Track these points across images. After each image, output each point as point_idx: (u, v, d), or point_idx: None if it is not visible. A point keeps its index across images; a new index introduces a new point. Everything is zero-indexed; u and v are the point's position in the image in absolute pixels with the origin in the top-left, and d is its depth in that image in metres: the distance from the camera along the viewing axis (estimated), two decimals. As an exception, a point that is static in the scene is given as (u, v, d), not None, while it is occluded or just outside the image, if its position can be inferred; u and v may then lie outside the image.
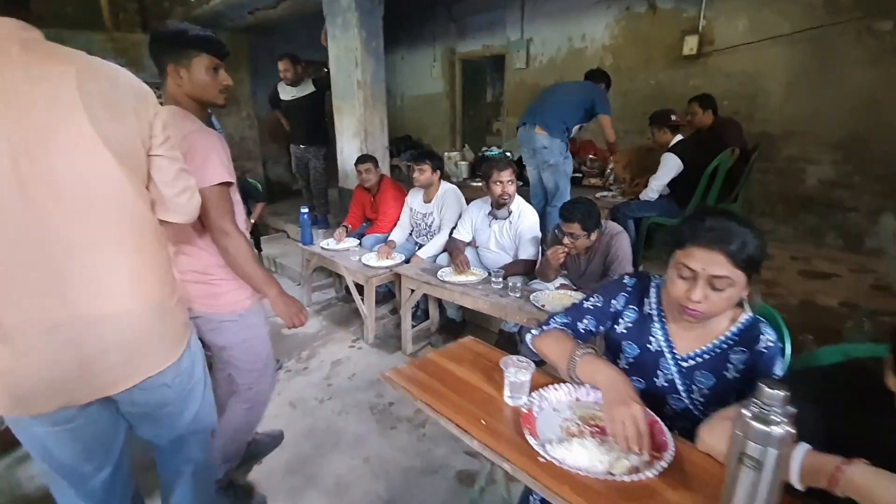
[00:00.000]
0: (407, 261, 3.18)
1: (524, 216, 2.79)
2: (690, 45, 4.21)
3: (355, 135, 4.07)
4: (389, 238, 3.41)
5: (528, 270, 2.79)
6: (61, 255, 0.91)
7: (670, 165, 3.19)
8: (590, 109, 3.37)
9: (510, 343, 2.88)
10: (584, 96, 3.37)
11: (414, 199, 3.44)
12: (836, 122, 3.74)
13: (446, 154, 4.99)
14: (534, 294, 2.40)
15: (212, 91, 1.44)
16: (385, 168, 4.17)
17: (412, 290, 2.87)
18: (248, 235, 1.61)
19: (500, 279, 2.59)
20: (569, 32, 5.23)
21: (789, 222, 4.10)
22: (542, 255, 2.66)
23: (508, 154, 4.65)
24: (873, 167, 3.67)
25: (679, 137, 3.30)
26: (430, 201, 3.33)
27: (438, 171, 3.27)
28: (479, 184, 4.41)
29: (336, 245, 3.47)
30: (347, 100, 4.07)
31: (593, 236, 2.31)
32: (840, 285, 3.25)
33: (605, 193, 3.70)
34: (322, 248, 3.43)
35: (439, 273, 2.75)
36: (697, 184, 3.20)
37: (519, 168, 4.54)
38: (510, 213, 2.81)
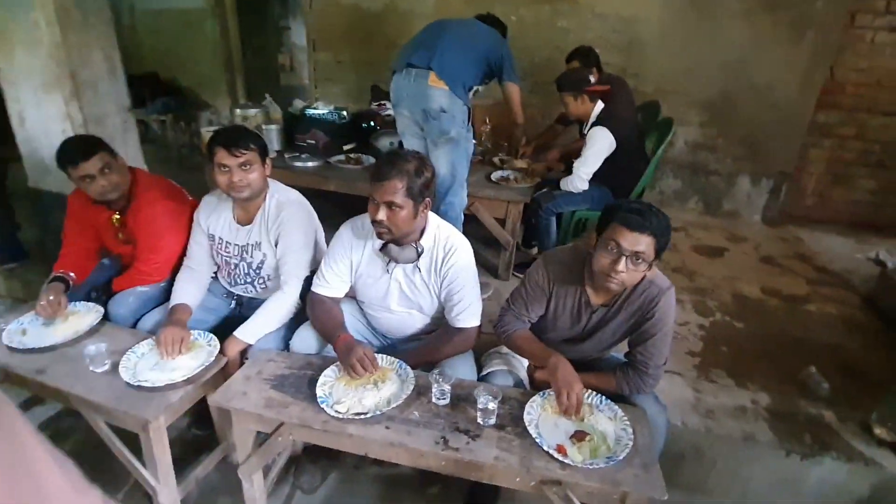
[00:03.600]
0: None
1: (456, 251, 1.56)
2: (562, -27, 3.35)
3: (50, 86, 2.02)
4: (174, 300, 1.74)
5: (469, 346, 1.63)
6: None
7: (602, 144, 2.33)
8: (496, 68, 2.24)
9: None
10: (493, 47, 2.22)
11: (215, 216, 1.81)
12: (707, 81, 3.47)
13: (238, 113, 3.19)
14: (528, 418, 1.28)
15: None
16: (131, 150, 2.25)
17: (260, 436, 1.40)
18: None
19: (447, 387, 1.37)
20: (397, -64, 3.79)
21: (656, 187, 3.86)
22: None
23: (343, 113, 3.16)
24: (736, 130, 3.55)
25: (601, 106, 2.44)
26: (250, 222, 1.78)
27: (267, 162, 1.73)
28: (308, 163, 2.87)
29: (46, 328, 1.65)
30: (17, 14, 1.94)
31: (647, 271, 1.30)
32: (737, 263, 3.08)
33: (503, 174, 2.67)
34: (7, 344, 1.57)
35: (319, 395, 1.35)
36: (629, 164, 2.44)
37: (363, 135, 3.16)
38: (420, 251, 1.54)
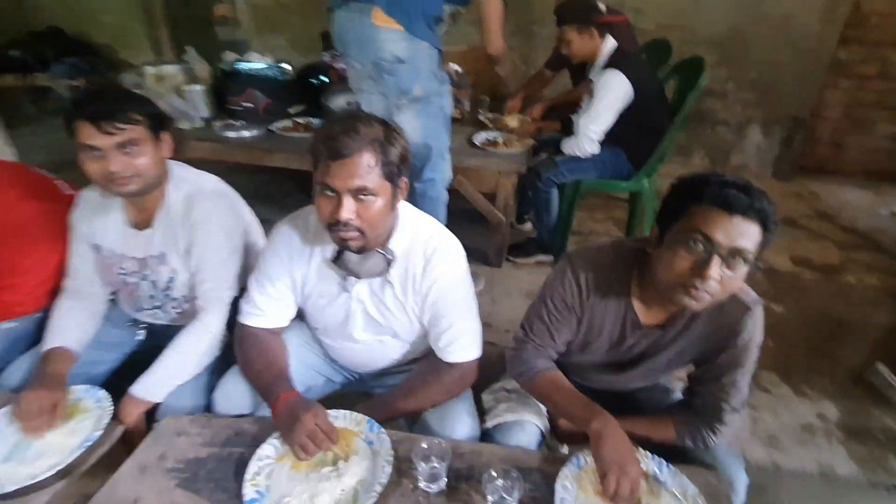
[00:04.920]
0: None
1: (441, 257, 1.08)
2: None
3: None
4: (49, 342, 1.23)
5: (466, 386, 1.19)
6: None
7: (617, 93, 1.83)
8: None
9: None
10: None
11: (100, 220, 1.27)
12: (716, 13, 2.97)
13: (150, 70, 2.55)
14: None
15: None
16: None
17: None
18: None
19: (442, 465, 0.94)
20: None
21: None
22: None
23: (287, 68, 2.55)
24: (747, 70, 3.10)
25: (613, 43, 1.92)
26: (150, 224, 1.25)
27: (164, 139, 1.19)
28: (245, 133, 2.30)
29: None
30: None
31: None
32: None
33: (489, 136, 2.16)
34: None
35: (249, 497, 0.90)
36: (649, 120, 1.95)
37: (313, 94, 2.55)
38: (390, 260, 1.07)
